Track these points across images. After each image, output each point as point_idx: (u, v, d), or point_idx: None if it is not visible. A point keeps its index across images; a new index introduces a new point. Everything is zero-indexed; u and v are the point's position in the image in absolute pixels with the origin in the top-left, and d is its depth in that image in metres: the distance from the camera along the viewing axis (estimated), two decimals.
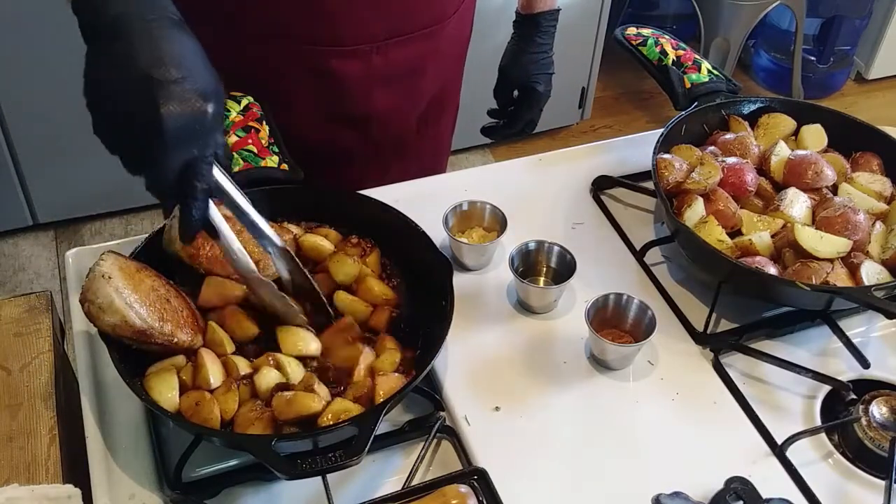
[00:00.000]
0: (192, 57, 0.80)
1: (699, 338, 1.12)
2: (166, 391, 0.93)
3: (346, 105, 1.30)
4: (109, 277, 0.92)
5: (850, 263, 1.10)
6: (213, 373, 0.94)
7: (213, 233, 0.91)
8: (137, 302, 0.92)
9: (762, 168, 1.24)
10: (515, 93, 1.46)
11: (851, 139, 1.28)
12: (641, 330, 1.08)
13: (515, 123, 1.47)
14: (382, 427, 0.94)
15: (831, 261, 1.09)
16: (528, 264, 1.16)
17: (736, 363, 1.10)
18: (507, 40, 1.44)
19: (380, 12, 1.22)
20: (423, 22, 1.28)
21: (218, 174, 0.87)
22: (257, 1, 1.20)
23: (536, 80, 1.42)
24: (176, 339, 0.94)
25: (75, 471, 0.99)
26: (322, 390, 0.93)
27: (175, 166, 0.80)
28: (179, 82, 0.77)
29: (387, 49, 1.26)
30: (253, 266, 0.97)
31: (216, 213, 0.90)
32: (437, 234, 1.13)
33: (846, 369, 1.10)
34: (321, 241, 1.09)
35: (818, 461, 1.00)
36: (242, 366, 0.96)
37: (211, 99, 0.79)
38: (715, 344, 1.10)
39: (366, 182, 1.26)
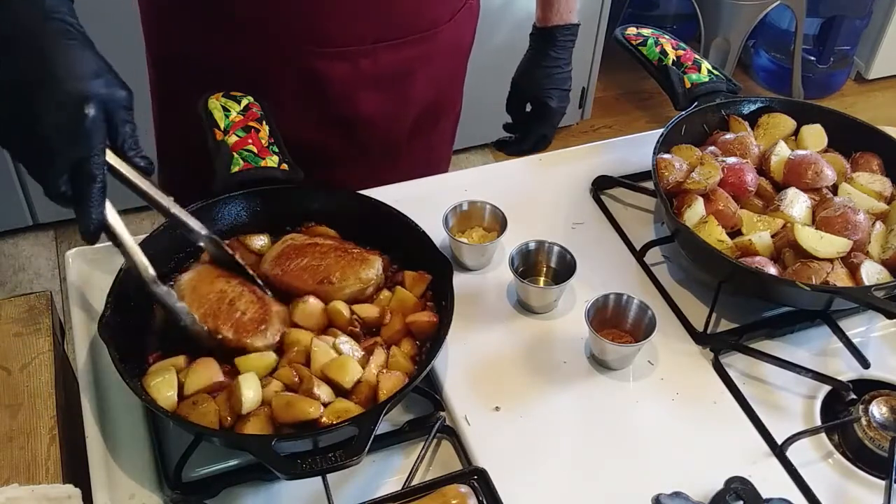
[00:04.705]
0: (74, 63, 0.82)
1: (699, 338, 1.12)
2: (166, 391, 0.93)
3: (332, 107, 1.29)
4: None
5: (850, 263, 1.10)
6: (247, 398, 0.92)
7: (113, 237, 0.91)
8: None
9: (762, 168, 1.24)
10: (528, 107, 1.44)
11: (851, 139, 1.28)
12: (641, 330, 1.08)
13: (528, 138, 1.45)
14: (382, 427, 0.94)
15: (831, 261, 1.09)
16: (528, 264, 1.16)
17: (736, 363, 1.10)
18: (508, 40, 1.43)
19: (366, 14, 1.21)
20: (413, 27, 1.26)
21: (122, 167, 0.88)
22: None
23: (549, 95, 1.41)
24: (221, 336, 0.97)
25: (75, 471, 0.99)
26: (324, 391, 0.93)
27: (61, 170, 0.81)
28: (53, 87, 0.80)
29: (375, 52, 1.25)
30: (152, 272, 0.95)
31: (114, 216, 0.89)
32: (437, 234, 1.13)
33: (846, 369, 1.10)
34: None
35: (818, 461, 1.00)
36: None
37: (90, 100, 0.81)
38: (715, 344, 1.10)
39: (354, 186, 1.23)
